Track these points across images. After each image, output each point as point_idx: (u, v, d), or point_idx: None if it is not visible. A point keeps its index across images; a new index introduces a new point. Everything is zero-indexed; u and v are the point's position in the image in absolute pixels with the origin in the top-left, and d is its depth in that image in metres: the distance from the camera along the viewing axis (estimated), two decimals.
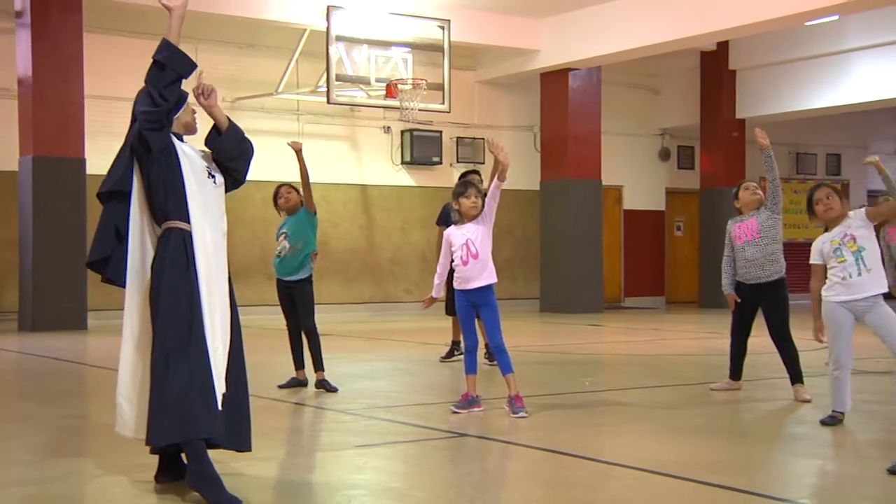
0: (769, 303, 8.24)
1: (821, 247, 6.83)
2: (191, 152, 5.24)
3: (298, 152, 8.86)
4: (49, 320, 14.91)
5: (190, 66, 5.06)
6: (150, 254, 5.17)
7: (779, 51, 20.10)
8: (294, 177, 9.29)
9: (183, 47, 5.04)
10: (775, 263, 8.17)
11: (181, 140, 5.25)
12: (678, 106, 22.60)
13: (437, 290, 7.77)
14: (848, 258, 6.84)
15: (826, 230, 6.91)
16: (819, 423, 6.99)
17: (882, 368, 9.31)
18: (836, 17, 17.14)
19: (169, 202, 5.11)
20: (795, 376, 8.15)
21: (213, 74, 16.32)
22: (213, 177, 5.33)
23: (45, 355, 11.98)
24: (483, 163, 18.52)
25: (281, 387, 8.83)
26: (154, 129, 4.97)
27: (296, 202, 8.92)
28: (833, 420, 7.00)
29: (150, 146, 5.01)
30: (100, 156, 14.62)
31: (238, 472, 5.48)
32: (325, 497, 5.18)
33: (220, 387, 5.00)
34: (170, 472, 5.27)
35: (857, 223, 6.85)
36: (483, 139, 19.22)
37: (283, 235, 8.82)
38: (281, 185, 9.19)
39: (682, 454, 6.15)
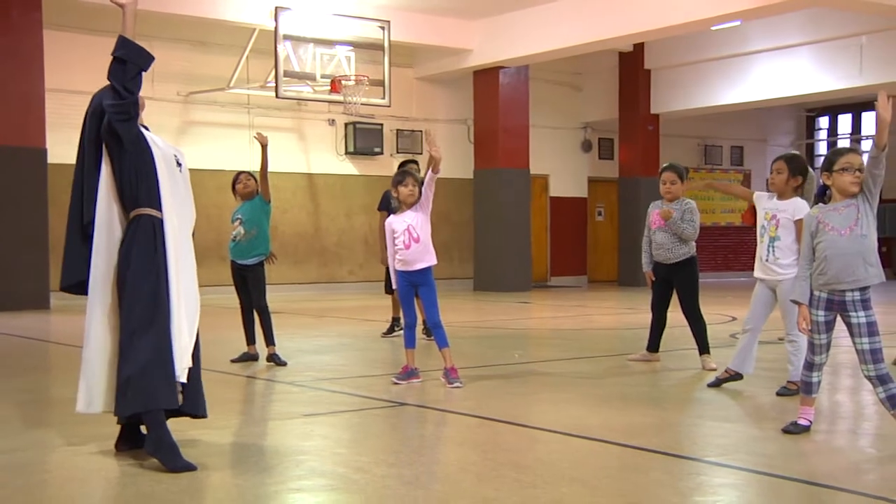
0: (679, 281, 8.33)
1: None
2: (159, 141, 5.19)
3: (264, 146, 8.78)
4: (12, 300, 14.68)
5: (148, 58, 5.00)
6: (118, 239, 5.10)
7: (689, 52, 20.40)
8: (245, 166, 9.21)
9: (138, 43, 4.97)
10: (684, 246, 8.25)
11: (146, 129, 5.19)
12: (599, 102, 22.76)
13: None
14: (766, 240, 6.93)
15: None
16: (706, 386, 7.26)
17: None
18: (738, 23, 17.37)
19: (141, 190, 5.04)
20: (703, 347, 8.26)
21: (169, 70, 16.32)
22: (180, 164, 5.29)
23: (8, 333, 11.80)
24: (420, 153, 18.49)
25: (234, 361, 8.77)
26: (123, 119, 4.91)
27: (252, 189, 8.86)
28: (717, 382, 7.22)
29: (121, 138, 4.94)
30: (60, 146, 14.48)
31: (194, 439, 5.42)
32: (276, 462, 5.14)
33: (184, 362, 4.97)
34: (130, 440, 5.23)
35: (791, 210, 6.89)
36: (421, 131, 19.25)
37: (238, 221, 8.76)
38: (241, 172, 9.17)
39: (604, 419, 6.18)
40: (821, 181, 5.71)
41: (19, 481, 4.77)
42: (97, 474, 4.91)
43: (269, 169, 8.89)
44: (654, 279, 8.44)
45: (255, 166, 8.86)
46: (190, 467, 4.80)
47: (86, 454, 5.25)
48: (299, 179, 19.24)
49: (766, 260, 6.95)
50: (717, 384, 7.24)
